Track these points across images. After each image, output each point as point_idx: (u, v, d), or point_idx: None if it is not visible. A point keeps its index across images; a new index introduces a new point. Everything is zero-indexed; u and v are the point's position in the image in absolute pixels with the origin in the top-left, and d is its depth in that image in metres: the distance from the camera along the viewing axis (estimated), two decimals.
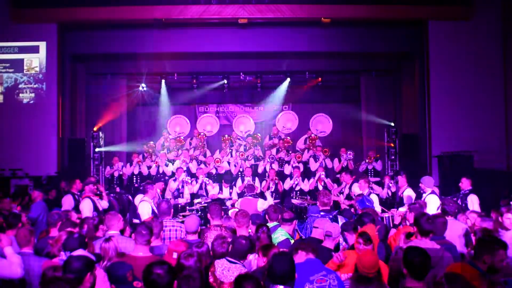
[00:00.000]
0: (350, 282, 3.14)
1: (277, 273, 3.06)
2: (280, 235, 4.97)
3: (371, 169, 10.85)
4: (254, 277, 3.01)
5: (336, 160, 10.98)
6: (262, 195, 8.91)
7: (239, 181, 9.91)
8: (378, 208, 7.53)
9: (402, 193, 8.17)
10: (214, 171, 10.61)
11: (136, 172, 10.88)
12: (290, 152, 11.42)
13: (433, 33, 10.78)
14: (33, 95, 10.83)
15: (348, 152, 10.85)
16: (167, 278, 2.81)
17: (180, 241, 4.12)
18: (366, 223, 4.30)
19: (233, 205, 8.88)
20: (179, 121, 13.04)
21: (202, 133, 12.06)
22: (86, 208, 6.66)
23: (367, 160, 10.89)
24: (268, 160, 10.72)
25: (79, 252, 3.34)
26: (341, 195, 9.22)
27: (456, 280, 2.78)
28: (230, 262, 3.69)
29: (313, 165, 10.76)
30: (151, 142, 11.57)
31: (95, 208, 6.84)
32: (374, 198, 7.74)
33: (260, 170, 10.74)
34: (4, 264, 3.81)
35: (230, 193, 9.61)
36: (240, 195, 9.67)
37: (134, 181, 10.83)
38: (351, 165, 10.85)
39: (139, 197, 7.01)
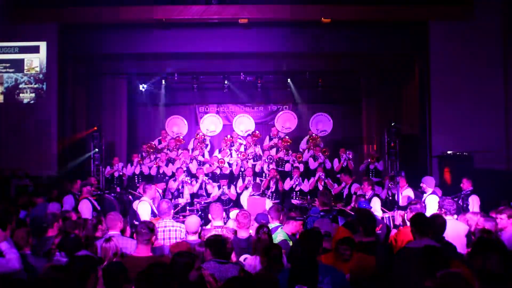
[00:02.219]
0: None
1: (301, 273, 3.07)
2: (279, 236, 4.98)
3: (372, 169, 10.85)
4: (244, 279, 3.00)
5: (336, 160, 10.99)
6: (263, 194, 8.95)
7: (240, 181, 9.91)
8: (379, 210, 7.53)
9: (402, 193, 8.18)
10: (218, 171, 10.62)
11: (137, 172, 10.88)
12: (290, 152, 11.43)
13: (433, 34, 10.76)
14: (33, 95, 10.81)
15: (347, 152, 10.87)
16: (165, 280, 2.81)
17: (181, 242, 4.12)
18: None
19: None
20: (177, 122, 13.05)
21: (201, 133, 12.07)
22: (85, 209, 6.66)
23: (369, 160, 10.89)
24: (266, 160, 10.72)
25: (84, 252, 3.33)
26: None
27: (456, 279, 2.77)
28: (220, 263, 3.66)
29: (312, 165, 10.76)
30: (152, 142, 11.60)
31: (94, 208, 6.85)
32: (376, 200, 7.72)
33: (257, 169, 10.74)
34: (2, 262, 3.80)
35: (229, 192, 9.60)
36: (240, 195, 9.68)
37: (136, 181, 10.84)
38: (351, 165, 10.86)
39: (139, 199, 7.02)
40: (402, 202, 7.87)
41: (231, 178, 10.42)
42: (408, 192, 8.19)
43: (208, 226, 5.44)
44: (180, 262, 3.20)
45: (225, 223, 5.82)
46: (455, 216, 5.28)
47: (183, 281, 3.16)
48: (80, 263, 3.04)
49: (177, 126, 12.97)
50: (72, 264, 3.06)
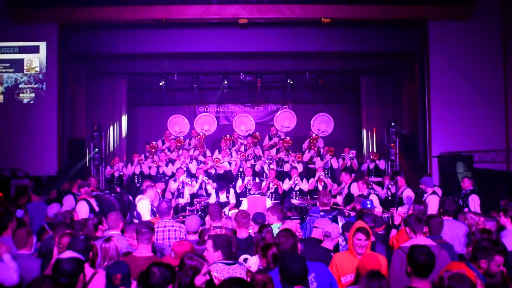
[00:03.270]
0: (363, 279, 3.09)
1: (294, 273, 3.07)
2: None
3: (372, 168, 10.85)
4: (239, 279, 2.99)
5: (340, 159, 11.01)
6: (263, 194, 8.91)
7: (239, 181, 9.89)
8: (378, 205, 7.55)
9: (402, 193, 8.19)
10: (213, 171, 10.60)
11: (137, 172, 10.88)
12: (290, 152, 11.43)
13: (433, 33, 10.77)
14: (33, 95, 10.82)
15: (351, 151, 10.87)
16: (164, 279, 2.80)
17: (184, 241, 4.11)
18: (368, 223, 4.31)
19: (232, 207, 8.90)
20: (178, 121, 13.04)
21: (201, 133, 12.07)
22: (82, 210, 6.65)
23: (371, 157, 10.88)
24: (267, 161, 10.71)
25: (68, 253, 3.27)
26: (338, 196, 9.21)
27: (462, 280, 2.77)
28: (228, 264, 3.65)
29: (319, 164, 10.77)
30: (154, 142, 11.59)
31: (91, 209, 6.84)
32: (374, 198, 7.75)
33: (257, 168, 10.73)
34: (1, 267, 3.78)
35: (227, 197, 9.56)
36: (240, 195, 9.67)
37: (136, 181, 10.84)
38: (355, 164, 10.86)
39: (139, 198, 7.03)
40: (403, 202, 7.88)
41: (229, 179, 10.40)
42: (409, 193, 8.20)
43: (208, 220, 5.41)
44: (188, 264, 3.04)
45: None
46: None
47: (187, 285, 3.00)
48: (68, 265, 3.02)
49: (178, 125, 12.97)
50: (59, 266, 3.02)
